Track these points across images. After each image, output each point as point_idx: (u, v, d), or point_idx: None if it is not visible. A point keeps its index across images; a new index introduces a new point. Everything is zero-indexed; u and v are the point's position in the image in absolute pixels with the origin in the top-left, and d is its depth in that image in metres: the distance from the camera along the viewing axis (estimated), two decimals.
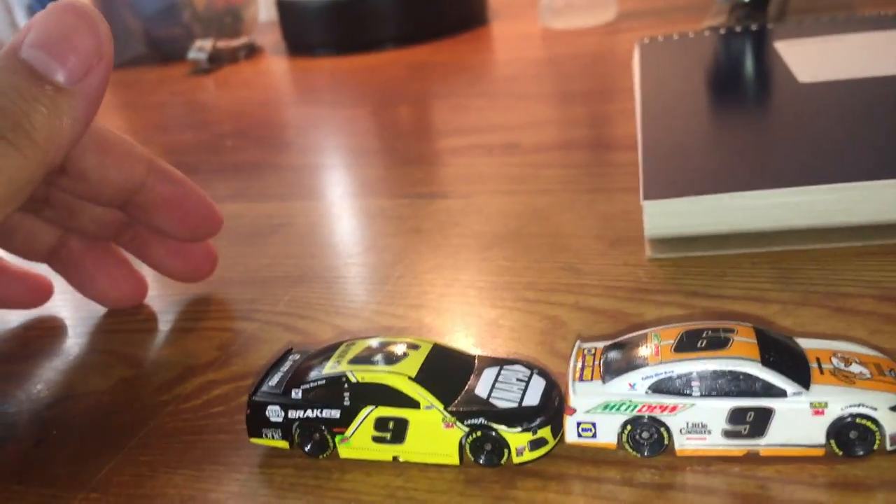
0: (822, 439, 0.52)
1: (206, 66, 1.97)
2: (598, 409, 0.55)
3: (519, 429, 0.55)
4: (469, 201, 1.01)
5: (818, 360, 0.55)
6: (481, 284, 0.81)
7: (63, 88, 0.60)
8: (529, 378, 0.60)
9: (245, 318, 0.82)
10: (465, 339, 0.72)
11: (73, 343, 0.82)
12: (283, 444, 0.60)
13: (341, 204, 1.08)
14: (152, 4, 2.09)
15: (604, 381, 0.56)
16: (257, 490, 0.58)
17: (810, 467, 0.53)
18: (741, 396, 0.53)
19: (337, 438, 0.59)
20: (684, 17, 1.72)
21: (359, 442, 0.58)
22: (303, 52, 2.01)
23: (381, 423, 0.57)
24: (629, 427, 0.55)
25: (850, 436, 0.52)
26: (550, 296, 0.77)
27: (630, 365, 0.56)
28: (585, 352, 0.60)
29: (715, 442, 0.54)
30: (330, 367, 0.60)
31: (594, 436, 0.56)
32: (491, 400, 0.57)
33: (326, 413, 0.58)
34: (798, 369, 0.54)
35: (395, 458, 0.58)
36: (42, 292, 0.88)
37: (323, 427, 0.59)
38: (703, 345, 0.55)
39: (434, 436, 0.57)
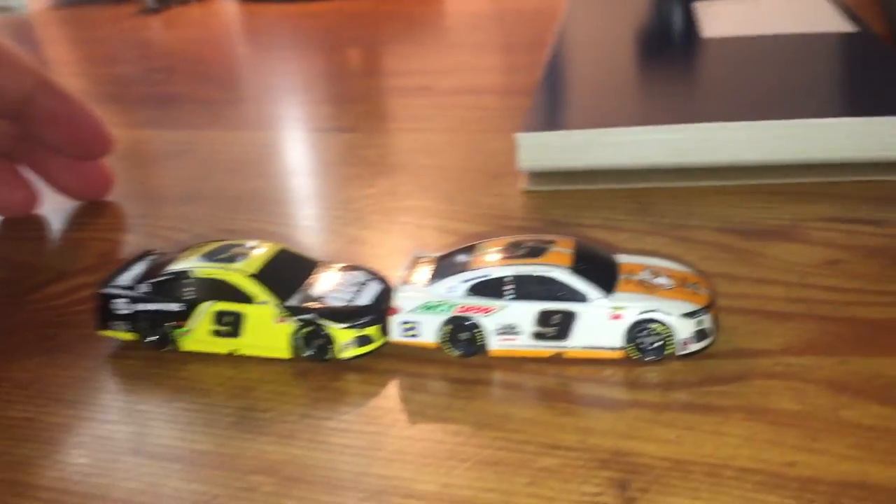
0: (620, 342, 0.56)
1: (154, 5, 1.97)
2: (419, 310, 0.58)
3: (346, 325, 0.59)
4: (370, 136, 1.04)
5: (630, 272, 0.58)
6: (358, 207, 0.84)
7: None
8: (367, 282, 0.63)
9: (130, 231, 0.85)
10: (326, 254, 0.75)
11: None
12: (130, 336, 0.63)
13: (248, 134, 1.10)
14: None
15: (429, 284, 0.59)
16: (102, 377, 0.61)
17: (609, 368, 0.56)
18: (550, 300, 0.56)
19: (178, 332, 0.61)
20: None
21: (199, 335, 0.61)
22: None
23: (219, 318, 0.60)
24: (448, 327, 0.58)
25: (645, 340, 0.55)
26: (422, 219, 0.80)
27: (454, 269, 0.59)
28: (420, 260, 0.63)
29: (525, 343, 0.57)
30: (177, 264, 0.62)
31: (417, 335, 0.59)
32: (324, 299, 0.60)
33: (169, 307, 0.61)
34: (606, 279, 0.57)
35: (231, 353, 0.61)
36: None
37: (166, 320, 0.61)
38: (522, 253, 0.58)
39: (267, 330, 0.60)
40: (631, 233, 0.74)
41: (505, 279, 0.57)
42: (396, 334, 0.59)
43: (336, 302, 0.60)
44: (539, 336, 0.57)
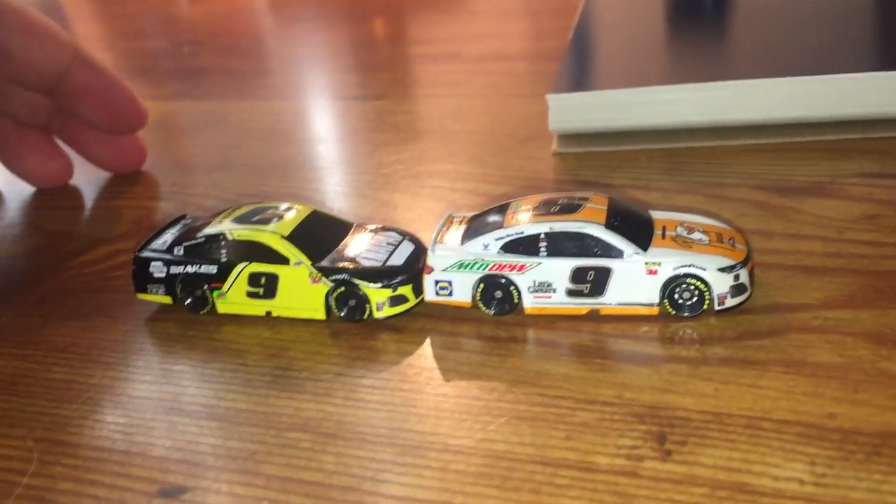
0: (656, 299, 0.55)
1: None
2: (453, 268, 0.58)
3: (379, 285, 0.59)
4: (399, 103, 1.03)
5: (664, 228, 0.58)
6: (389, 172, 0.84)
7: None
8: (400, 243, 0.63)
9: (163, 199, 0.85)
10: (358, 217, 0.75)
11: None
12: (167, 300, 0.63)
13: (277, 104, 1.10)
14: None
15: (462, 243, 0.59)
16: (139, 339, 0.62)
17: (645, 324, 0.56)
18: (583, 257, 0.56)
19: (215, 294, 0.62)
20: None
21: (234, 297, 0.61)
22: None
23: (254, 279, 0.61)
24: (482, 285, 0.58)
25: (682, 295, 0.55)
26: (454, 182, 0.80)
27: (487, 228, 0.59)
28: (454, 220, 0.63)
29: (560, 300, 0.57)
30: (211, 227, 0.63)
31: (451, 294, 0.59)
32: (358, 259, 0.60)
33: (205, 269, 0.62)
34: (641, 235, 0.57)
35: (267, 314, 0.61)
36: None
37: (202, 283, 0.62)
38: (556, 210, 0.58)
39: (302, 290, 0.60)
40: (663, 192, 0.73)
41: (539, 236, 0.57)
42: (430, 293, 0.59)
43: (369, 262, 0.60)
44: (574, 293, 0.56)
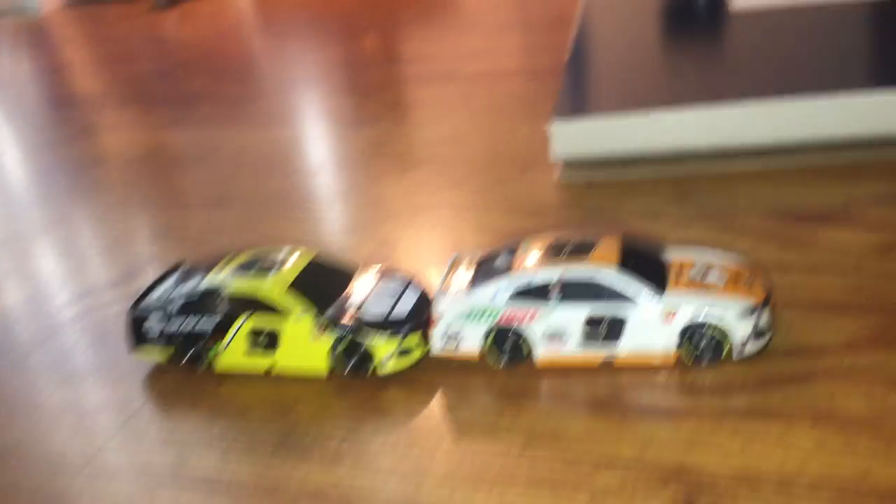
0: (674, 345, 0.53)
1: (166, 1, 1.95)
2: (461, 318, 0.56)
3: (385, 337, 0.56)
4: (396, 127, 1.01)
5: (680, 269, 0.56)
6: (389, 205, 0.82)
7: None
8: (404, 289, 0.60)
9: (156, 241, 0.83)
10: (359, 257, 0.72)
11: None
12: (164, 356, 0.61)
13: (272, 132, 1.08)
14: None
15: (469, 290, 0.57)
16: (135, 400, 0.59)
17: (663, 373, 0.53)
18: (597, 303, 0.54)
19: (214, 350, 0.59)
20: None
21: (234, 353, 0.59)
22: None
23: (254, 334, 0.58)
24: (492, 336, 0.56)
25: (701, 342, 0.53)
26: (455, 216, 0.78)
27: (495, 273, 0.57)
28: (460, 262, 0.61)
29: (573, 349, 0.55)
30: (209, 280, 0.60)
31: (459, 345, 0.57)
32: (362, 310, 0.58)
33: (203, 324, 0.59)
34: (656, 277, 0.54)
35: (268, 372, 0.59)
36: None
37: (199, 339, 0.60)
38: (567, 253, 0.56)
39: (305, 345, 0.58)
40: (673, 220, 0.71)
41: (550, 282, 0.54)
42: (438, 345, 0.57)
43: (374, 313, 0.58)
44: (588, 341, 0.54)
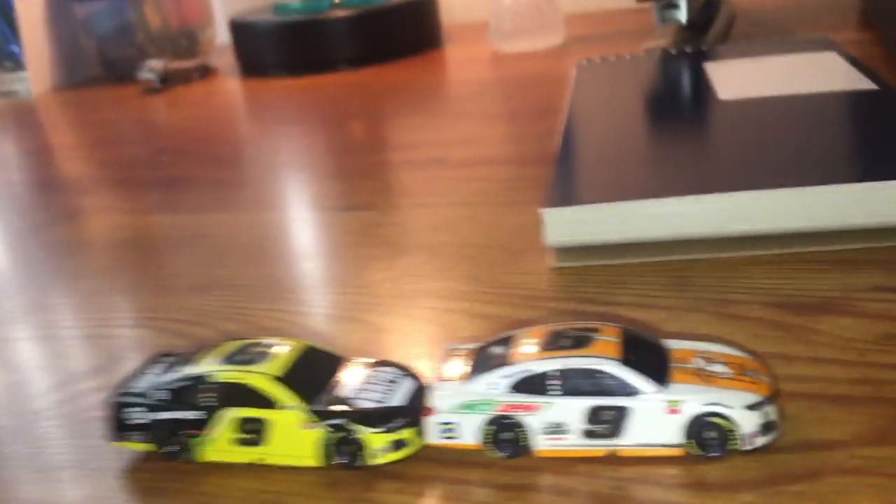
0: (679, 439, 0.51)
1: (158, 86, 1.96)
2: (458, 409, 0.54)
3: (379, 429, 0.54)
4: (385, 213, 1.00)
5: (682, 360, 0.54)
6: (380, 292, 0.80)
7: None
8: (398, 380, 0.59)
9: (141, 326, 0.81)
10: (350, 346, 0.71)
11: None
12: (144, 447, 0.59)
13: (260, 216, 1.07)
14: (106, 25, 2.08)
15: (466, 381, 0.55)
16: (113, 496, 0.57)
17: (668, 468, 0.52)
18: (599, 395, 0.52)
19: (196, 441, 0.57)
20: (630, 41, 1.73)
21: (220, 444, 0.57)
22: (256, 73, 2.00)
23: (241, 425, 0.56)
24: (490, 427, 0.54)
25: (707, 435, 0.51)
26: (448, 303, 0.77)
27: (493, 363, 0.55)
28: (455, 353, 0.59)
29: (575, 442, 0.53)
30: (194, 368, 0.58)
31: (456, 437, 0.55)
32: (355, 400, 0.56)
33: (186, 415, 0.57)
34: (658, 369, 0.53)
35: (255, 462, 0.56)
36: None
37: (183, 430, 0.57)
38: (566, 344, 0.54)
39: (294, 437, 0.55)
40: (669, 311, 0.70)
41: (549, 373, 0.53)
42: (434, 436, 0.55)
43: (367, 404, 0.56)
44: (590, 434, 0.52)
